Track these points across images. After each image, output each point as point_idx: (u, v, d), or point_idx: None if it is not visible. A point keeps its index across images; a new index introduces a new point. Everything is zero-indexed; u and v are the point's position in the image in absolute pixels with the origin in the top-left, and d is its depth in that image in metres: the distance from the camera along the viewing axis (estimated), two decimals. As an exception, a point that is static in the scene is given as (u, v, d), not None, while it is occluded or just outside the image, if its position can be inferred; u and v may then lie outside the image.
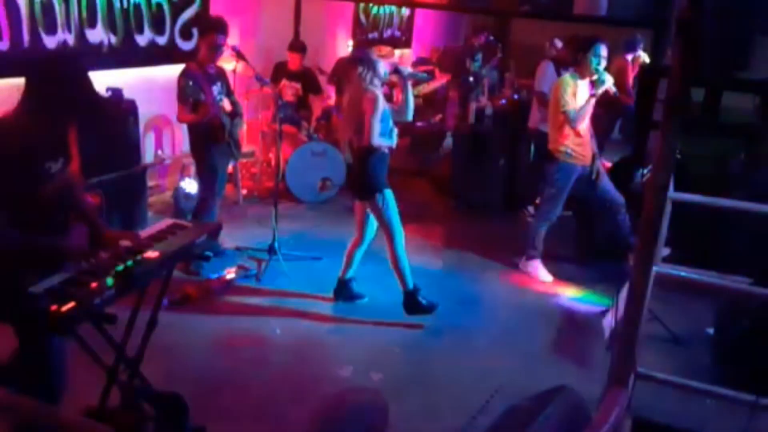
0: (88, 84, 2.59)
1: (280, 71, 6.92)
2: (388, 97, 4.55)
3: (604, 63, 4.93)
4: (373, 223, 4.39)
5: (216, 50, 4.63)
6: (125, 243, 2.72)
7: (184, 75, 4.56)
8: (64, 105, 2.51)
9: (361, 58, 4.25)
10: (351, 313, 4.47)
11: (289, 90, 6.68)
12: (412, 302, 4.32)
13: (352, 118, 4.16)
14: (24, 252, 2.49)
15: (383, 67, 4.19)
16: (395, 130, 4.25)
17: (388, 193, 4.23)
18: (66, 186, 2.66)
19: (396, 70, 4.32)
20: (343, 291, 4.57)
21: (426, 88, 8.51)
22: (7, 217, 2.44)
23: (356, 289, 4.59)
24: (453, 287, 4.97)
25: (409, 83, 4.37)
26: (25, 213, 2.49)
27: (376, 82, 4.13)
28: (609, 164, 6.18)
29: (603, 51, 4.86)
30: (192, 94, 4.49)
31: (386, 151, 4.22)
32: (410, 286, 4.31)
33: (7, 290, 2.44)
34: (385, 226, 4.26)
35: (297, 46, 6.89)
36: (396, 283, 4.96)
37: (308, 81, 6.96)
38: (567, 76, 4.98)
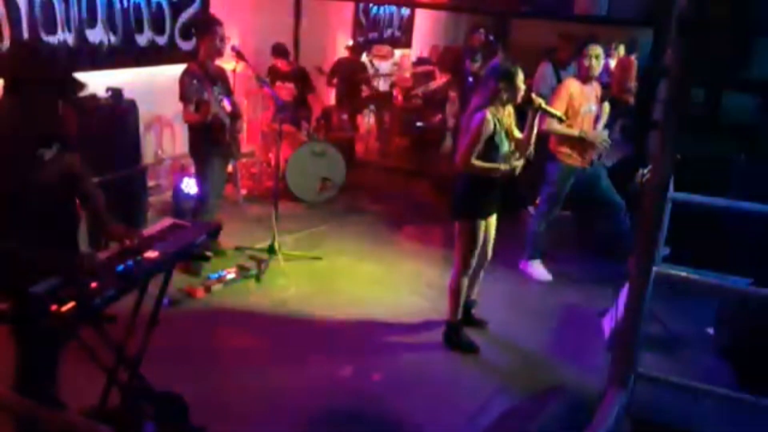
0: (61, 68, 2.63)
1: (273, 73, 6.94)
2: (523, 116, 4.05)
3: (598, 62, 4.91)
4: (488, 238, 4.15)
5: (219, 44, 4.60)
6: (126, 243, 2.72)
7: (186, 74, 4.55)
8: (43, 88, 2.52)
9: (505, 73, 3.82)
10: (351, 314, 4.47)
11: (283, 91, 6.70)
12: (452, 335, 4.14)
13: (463, 130, 3.88)
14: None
15: (522, 85, 3.83)
16: (506, 158, 3.90)
17: (480, 224, 3.95)
18: (67, 173, 2.67)
19: (529, 100, 3.90)
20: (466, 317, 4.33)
21: (426, 88, 8.52)
22: (6, 207, 2.45)
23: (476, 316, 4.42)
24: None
25: (536, 119, 3.94)
26: (25, 200, 2.49)
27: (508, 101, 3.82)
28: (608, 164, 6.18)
29: (595, 51, 4.86)
30: (195, 93, 4.49)
31: (495, 176, 3.88)
32: (456, 318, 4.14)
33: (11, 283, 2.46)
34: (459, 253, 4.04)
35: (278, 50, 6.91)
36: (396, 283, 4.97)
37: (302, 80, 6.98)
38: (571, 81, 4.96)
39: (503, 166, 3.87)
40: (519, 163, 3.93)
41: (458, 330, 4.15)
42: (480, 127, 3.76)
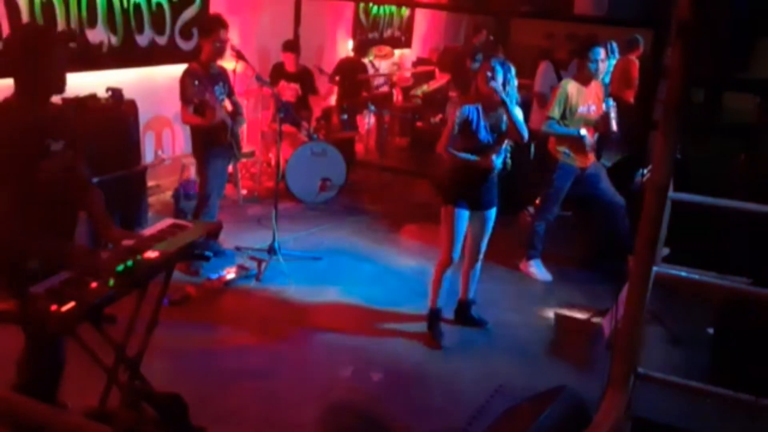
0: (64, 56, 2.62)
1: (278, 72, 6.92)
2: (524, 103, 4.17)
3: (603, 66, 4.92)
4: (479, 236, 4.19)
5: (220, 46, 4.61)
6: (128, 243, 2.72)
7: (187, 75, 4.55)
8: (49, 76, 2.55)
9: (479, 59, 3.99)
10: (351, 314, 4.47)
11: (288, 91, 6.69)
12: (428, 321, 4.22)
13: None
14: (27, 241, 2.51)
15: (501, 76, 3.90)
16: (499, 147, 3.99)
17: (459, 212, 4.01)
18: (69, 171, 2.69)
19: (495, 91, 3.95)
20: (464, 314, 4.42)
21: (426, 87, 8.52)
22: (11, 195, 2.47)
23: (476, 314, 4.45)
24: (453, 287, 4.96)
25: (515, 108, 4.00)
26: (28, 191, 2.51)
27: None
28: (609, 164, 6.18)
29: (600, 55, 4.87)
30: (196, 94, 4.48)
31: (472, 165, 3.98)
32: (432, 307, 4.21)
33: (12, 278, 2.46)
34: (442, 240, 4.11)
35: (291, 45, 6.90)
36: (394, 282, 4.98)
37: (306, 81, 6.97)
38: (569, 82, 4.96)
39: (479, 158, 3.95)
40: (498, 160, 3.98)
41: (433, 319, 4.21)
42: (454, 116, 3.94)
